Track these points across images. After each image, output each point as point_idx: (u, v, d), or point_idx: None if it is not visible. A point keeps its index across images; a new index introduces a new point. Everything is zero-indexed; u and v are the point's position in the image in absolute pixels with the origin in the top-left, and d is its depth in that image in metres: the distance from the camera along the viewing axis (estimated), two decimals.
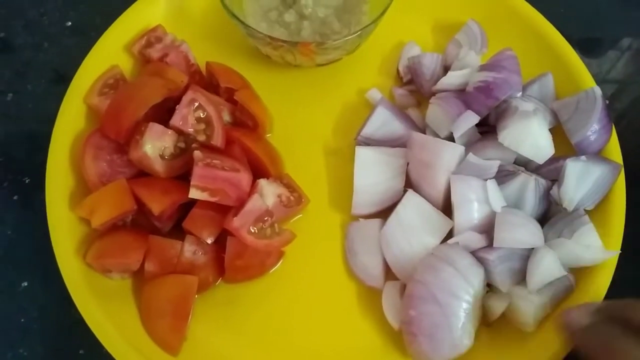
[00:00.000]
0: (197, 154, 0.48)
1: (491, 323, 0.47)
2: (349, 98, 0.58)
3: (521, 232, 0.46)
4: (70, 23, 0.65)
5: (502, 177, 0.49)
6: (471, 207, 0.47)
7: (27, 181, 0.56)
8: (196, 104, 0.49)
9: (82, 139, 0.51)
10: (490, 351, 0.46)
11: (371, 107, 0.57)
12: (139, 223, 0.50)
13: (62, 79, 0.60)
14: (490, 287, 0.47)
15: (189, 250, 0.47)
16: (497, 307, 0.46)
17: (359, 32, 0.51)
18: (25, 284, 0.52)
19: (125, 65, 0.56)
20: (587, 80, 0.55)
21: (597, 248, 0.46)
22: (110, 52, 0.56)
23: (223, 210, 0.48)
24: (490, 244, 0.46)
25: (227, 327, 0.48)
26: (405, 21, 0.60)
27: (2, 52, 0.63)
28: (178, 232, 0.49)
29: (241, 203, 0.47)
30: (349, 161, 0.53)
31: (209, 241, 0.47)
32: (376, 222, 0.50)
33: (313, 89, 0.58)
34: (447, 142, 0.49)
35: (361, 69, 0.59)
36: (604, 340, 0.38)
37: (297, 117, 0.57)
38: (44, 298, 0.51)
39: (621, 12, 0.64)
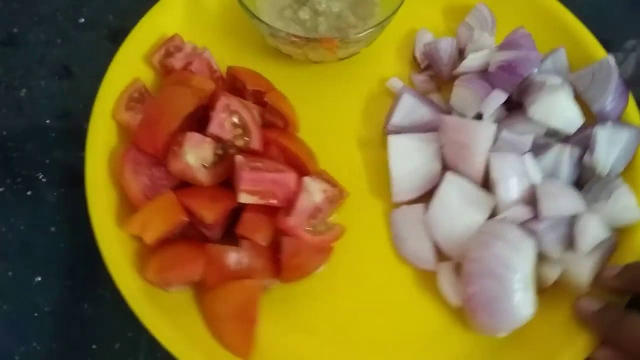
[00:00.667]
0: (239, 159, 0.48)
1: (544, 290, 0.49)
2: (370, 88, 0.59)
3: (564, 200, 0.48)
4: (83, 20, 0.65)
5: (537, 149, 0.51)
6: (512, 182, 0.49)
7: (40, 177, 0.56)
8: (231, 110, 0.50)
9: (118, 156, 0.50)
10: (547, 316, 0.48)
11: (393, 96, 0.58)
12: (186, 234, 0.50)
13: (75, 75, 0.61)
14: (540, 256, 0.49)
15: (245, 255, 0.47)
16: (551, 273, 0.48)
17: (382, 23, 0.52)
18: (39, 278, 0.52)
19: (145, 76, 0.56)
20: (598, 51, 0.57)
21: (634, 207, 0.48)
22: (129, 65, 0.55)
23: (272, 212, 0.48)
24: (535, 215, 0.48)
25: (289, 324, 0.48)
26: (414, 8, 0.61)
27: (14, 47, 0.63)
28: (224, 238, 0.49)
29: (289, 203, 0.48)
30: (380, 150, 0.54)
31: (265, 244, 0.47)
32: (419, 207, 0.51)
33: (333, 83, 0.59)
34: (482, 122, 0.50)
35: (377, 58, 0.60)
36: (613, 318, 0.43)
37: (322, 112, 0.57)
38: (58, 293, 0.51)
39: (627, 14, 0.67)
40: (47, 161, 0.57)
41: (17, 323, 0.50)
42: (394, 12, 0.53)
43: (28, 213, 0.54)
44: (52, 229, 0.53)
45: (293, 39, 0.51)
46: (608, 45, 0.59)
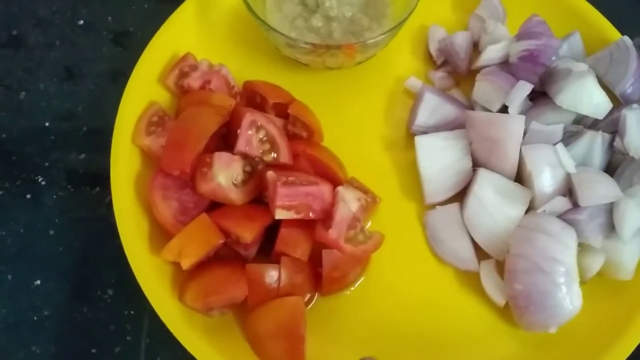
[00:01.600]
0: (270, 174, 0.47)
1: (586, 280, 0.48)
2: (388, 89, 0.58)
3: (601, 188, 0.47)
4: (82, 22, 0.64)
5: (567, 138, 0.50)
6: (547, 173, 0.48)
7: (40, 180, 0.56)
8: (257, 126, 0.49)
9: (145, 182, 0.49)
10: (591, 308, 0.47)
11: (412, 95, 0.57)
12: (221, 254, 0.49)
13: (74, 78, 0.61)
14: (581, 246, 0.48)
15: (286, 271, 0.46)
16: (594, 263, 0.47)
17: (400, 24, 0.51)
18: (38, 282, 0.51)
19: (161, 98, 0.55)
20: (612, 32, 0.57)
21: None
22: (144, 89, 0.54)
23: (308, 225, 0.47)
24: (573, 206, 0.48)
25: (333, 338, 0.48)
26: (422, 2, 0.60)
27: (14, 49, 0.62)
28: (258, 253, 0.49)
29: (326, 215, 0.47)
30: (407, 152, 0.54)
31: (305, 259, 0.46)
32: (454, 206, 0.51)
33: (351, 87, 0.58)
34: (511, 115, 0.50)
35: (391, 58, 0.60)
36: None
37: (343, 118, 0.57)
38: (57, 297, 0.51)
39: (633, 10, 0.66)
40: (47, 164, 0.56)
41: (17, 327, 0.50)
42: (412, 11, 0.52)
43: (27, 216, 0.54)
44: (51, 232, 0.53)
45: (312, 48, 0.50)
46: None
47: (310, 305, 0.49)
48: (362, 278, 0.50)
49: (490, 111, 0.54)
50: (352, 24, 0.56)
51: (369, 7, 0.57)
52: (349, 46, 0.51)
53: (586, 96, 0.50)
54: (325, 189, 0.47)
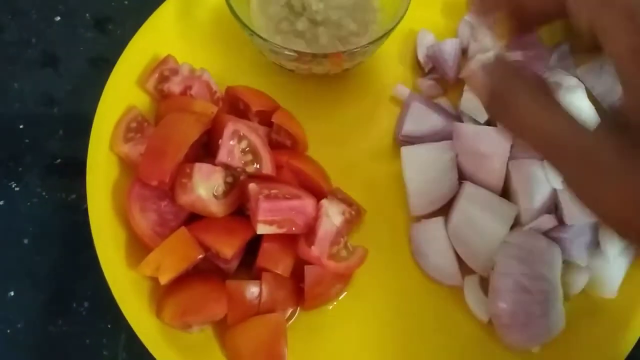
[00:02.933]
0: (253, 187, 0.46)
1: (570, 297, 0.48)
2: (375, 96, 0.57)
3: None
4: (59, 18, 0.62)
5: None
6: (533, 189, 0.48)
7: (13, 186, 0.54)
8: (240, 135, 0.47)
9: (122, 191, 0.48)
10: (574, 325, 0.47)
11: (399, 103, 0.56)
12: (200, 267, 0.47)
13: (52, 74, 0.59)
14: (564, 263, 0.48)
15: (267, 287, 0.45)
16: (579, 281, 0.47)
17: (388, 32, 0.50)
18: (12, 293, 0.50)
19: (140, 102, 0.53)
20: None
21: None
22: (122, 92, 0.52)
23: (290, 240, 0.46)
24: (559, 223, 0.47)
25: (314, 353, 0.47)
26: (411, 7, 0.59)
27: None
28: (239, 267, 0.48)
29: (309, 229, 0.46)
30: (393, 162, 0.53)
31: (287, 275, 0.45)
32: (439, 220, 0.50)
33: (336, 94, 0.57)
34: (498, 129, 0.49)
35: (379, 64, 0.58)
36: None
37: (328, 126, 0.55)
38: (31, 309, 0.49)
39: None
40: (20, 169, 0.54)
41: None
42: (400, 19, 0.50)
43: (0, 224, 0.52)
44: (25, 241, 0.52)
45: (297, 56, 0.49)
46: None
47: (292, 320, 0.48)
48: (345, 292, 0.49)
49: (478, 122, 0.53)
50: (338, 29, 0.54)
51: (357, 12, 0.55)
52: (336, 55, 0.49)
53: (575, 111, 0.49)
54: (308, 202, 0.46)
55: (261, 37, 0.49)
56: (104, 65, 0.56)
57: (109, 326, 0.49)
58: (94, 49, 0.60)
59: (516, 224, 0.48)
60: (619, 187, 0.28)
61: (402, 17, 0.51)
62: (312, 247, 0.44)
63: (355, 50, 0.49)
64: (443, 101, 0.56)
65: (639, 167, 0.28)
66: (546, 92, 0.32)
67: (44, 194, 0.53)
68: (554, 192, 0.48)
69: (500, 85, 0.32)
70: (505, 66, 0.33)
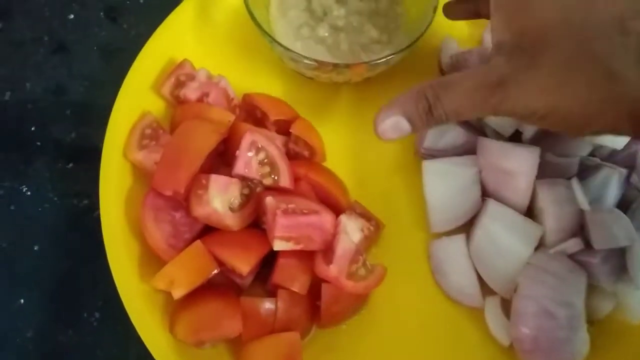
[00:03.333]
0: (270, 201, 0.44)
1: (594, 322, 0.47)
2: None
3: (616, 229, 0.45)
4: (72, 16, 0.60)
5: (582, 171, 0.48)
6: (560, 210, 0.46)
7: (24, 189, 0.53)
8: (257, 147, 0.46)
9: (136, 200, 0.47)
10: (598, 348, 0.46)
11: None
12: (214, 281, 0.46)
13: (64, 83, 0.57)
14: (589, 286, 0.46)
15: (283, 305, 0.44)
16: (605, 306, 0.46)
17: (412, 44, 0.48)
18: (22, 301, 0.49)
19: (155, 107, 0.52)
20: None
21: None
22: (137, 97, 0.51)
23: (307, 256, 0.45)
24: (585, 245, 0.45)
25: None
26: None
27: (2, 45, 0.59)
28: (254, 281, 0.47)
29: (327, 246, 0.45)
30: (413, 175, 0.51)
31: (303, 292, 0.44)
32: (461, 237, 0.48)
33: (356, 103, 0.55)
34: (525, 146, 0.47)
35: (402, 71, 0.56)
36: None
37: (347, 137, 0.54)
38: (41, 318, 0.48)
39: None
40: (31, 172, 0.53)
41: None
42: (427, 27, 0.49)
43: (10, 229, 0.51)
44: (36, 247, 0.51)
45: (318, 65, 0.47)
46: None
47: (307, 337, 0.46)
48: (361, 310, 0.48)
49: (502, 135, 0.51)
50: (360, 35, 0.53)
51: (379, 18, 0.54)
52: (358, 65, 0.48)
53: None
54: (326, 219, 0.45)
55: (281, 45, 0.47)
56: (117, 61, 0.55)
57: (119, 338, 0.48)
58: (108, 43, 0.59)
59: (540, 244, 0.47)
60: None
61: (428, 27, 0.49)
62: (330, 266, 0.43)
63: (378, 61, 0.48)
64: None
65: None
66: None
67: (55, 199, 0.52)
68: (581, 214, 0.46)
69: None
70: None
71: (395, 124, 0.39)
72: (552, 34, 0.34)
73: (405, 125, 0.39)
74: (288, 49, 0.47)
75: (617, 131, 0.35)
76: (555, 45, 0.34)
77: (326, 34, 0.52)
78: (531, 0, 0.35)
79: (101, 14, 0.61)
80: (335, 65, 0.47)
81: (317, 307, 0.45)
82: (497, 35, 0.37)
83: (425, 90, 0.38)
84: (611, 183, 0.47)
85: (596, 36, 0.33)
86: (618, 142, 0.48)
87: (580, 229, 0.47)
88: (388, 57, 0.48)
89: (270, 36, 0.47)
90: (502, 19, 0.36)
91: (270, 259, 0.46)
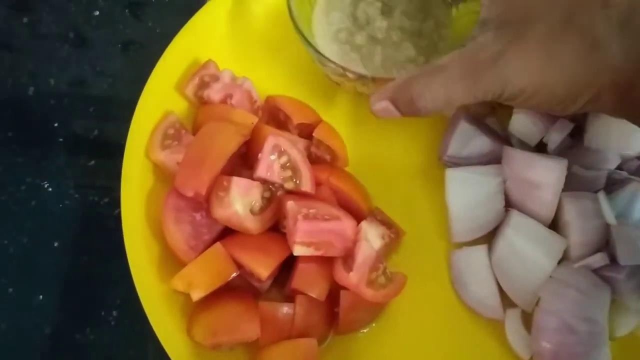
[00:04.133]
0: (291, 206, 0.44)
1: (616, 338, 0.46)
2: None
3: None
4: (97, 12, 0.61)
5: (609, 185, 0.47)
6: (586, 224, 0.45)
7: (46, 185, 0.53)
8: (280, 151, 0.46)
9: (156, 199, 0.47)
10: None
11: (445, 121, 0.54)
12: (233, 283, 0.46)
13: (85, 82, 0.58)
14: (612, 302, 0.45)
15: (301, 310, 0.44)
16: (628, 323, 0.45)
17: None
18: (41, 297, 0.49)
19: (178, 106, 0.51)
20: None
21: None
22: (161, 96, 0.51)
23: (327, 261, 0.45)
24: (610, 261, 0.45)
25: None
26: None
27: (29, 40, 0.59)
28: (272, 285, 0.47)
29: (347, 252, 0.44)
30: (435, 183, 0.51)
31: (322, 299, 0.44)
32: (482, 248, 0.48)
33: None
34: (552, 157, 0.46)
35: None
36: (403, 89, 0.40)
37: (369, 142, 0.53)
38: (59, 315, 0.49)
39: None
40: (54, 169, 0.54)
41: (16, 344, 0.48)
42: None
43: (31, 225, 0.52)
44: (56, 244, 0.51)
45: (343, 71, 0.46)
46: None
47: (324, 344, 0.46)
48: (378, 318, 0.47)
49: (528, 145, 0.50)
50: (396, 52, 0.51)
51: (421, 38, 0.52)
52: (384, 80, 0.45)
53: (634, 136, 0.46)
54: (348, 225, 0.44)
55: (310, 44, 0.47)
56: (140, 58, 0.56)
57: (137, 338, 0.48)
58: (131, 39, 0.59)
59: (564, 258, 0.46)
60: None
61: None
62: (351, 274, 0.42)
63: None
64: (491, 121, 0.53)
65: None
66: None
67: (76, 196, 0.52)
68: (607, 228, 0.45)
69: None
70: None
71: (385, 107, 0.40)
72: (537, 8, 0.36)
73: (394, 111, 0.40)
74: (316, 50, 0.46)
75: (600, 104, 0.36)
76: (540, 18, 0.36)
77: (363, 43, 0.51)
78: None
79: (126, 10, 0.61)
80: (361, 76, 0.46)
81: (335, 314, 0.45)
82: (483, 12, 0.39)
83: (413, 80, 0.39)
84: (639, 197, 0.46)
85: (580, 9, 0.35)
86: None
87: (605, 244, 0.46)
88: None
89: (301, 32, 0.47)
90: None
91: (288, 264, 0.46)
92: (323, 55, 0.47)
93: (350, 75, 0.46)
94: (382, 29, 0.50)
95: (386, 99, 0.40)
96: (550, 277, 0.45)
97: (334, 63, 0.46)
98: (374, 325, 0.47)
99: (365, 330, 0.47)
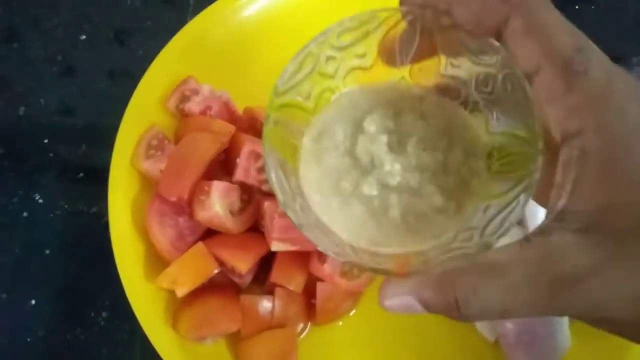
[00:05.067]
0: (268, 205, 0.48)
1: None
2: None
3: None
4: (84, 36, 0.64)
5: None
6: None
7: (37, 197, 0.56)
8: (256, 155, 0.49)
9: (143, 206, 0.50)
10: (581, 345, 0.48)
11: None
12: (215, 280, 0.49)
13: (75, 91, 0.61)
14: None
15: (280, 303, 0.47)
16: None
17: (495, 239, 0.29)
18: (34, 302, 0.52)
19: (160, 120, 0.55)
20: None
21: None
22: (144, 110, 0.54)
23: (303, 256, 0.48)
24: None
25: None
26: None
27: (17, 64, 0.63)
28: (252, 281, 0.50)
29: None
30: None
31: (299, 291, 0.47)
32: None
33: None
34: None
35: None
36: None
37: None
38: (51, 318, 0.51)
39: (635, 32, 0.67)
40: (44, 182, 0.57)
41: (10, 347, 0.50)
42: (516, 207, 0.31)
43: (23, 234, 0.54)
44: (47, 251, 0.54)
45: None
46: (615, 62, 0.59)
47: (303, 335, 0.49)
48: (356, 308, 0.50)
49: None
50: (419, 201, 0.35)
51: (448, 176, 0.35)
52: (400, 258, 0.34)
53: None
54: None
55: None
56: (125, 80, 0.59)
57: (125, 337, 0.50)
58: (116, 64, 0.63)
59: None
60: None
61: (522, 204, 0.29)
62: (325, 265, 0.45)
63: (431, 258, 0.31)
64: None
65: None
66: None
67: (66, 206, 0.55)
68: None
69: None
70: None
71: (406, 304, 0.28)
72: None
73: (418, 309, 0.29)
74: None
75: None
76: None
77: (374, 193, 0.35)
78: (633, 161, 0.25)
79: (111, 35, 0.64)
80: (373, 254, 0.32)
81: (313, 306, 0.48)
82: (562, 198, 0.26)
83: (455, 279, 0.27)
84: None
85: None
86: None
87: None
88: (449, 254, 0.30)
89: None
90: (586, 175, 0.26)
91: (267, 263, 0.49)
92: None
93: (369, 265, 0.31)
94: (395, 174, 0.35)
95: (411, 295, 0.28)
96: None
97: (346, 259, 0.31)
98: (350, 315, 0.50)
99: (342, 321, 0.50)
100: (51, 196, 0.56)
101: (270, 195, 0.49)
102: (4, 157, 0.57)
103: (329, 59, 0.36)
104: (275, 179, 0.32)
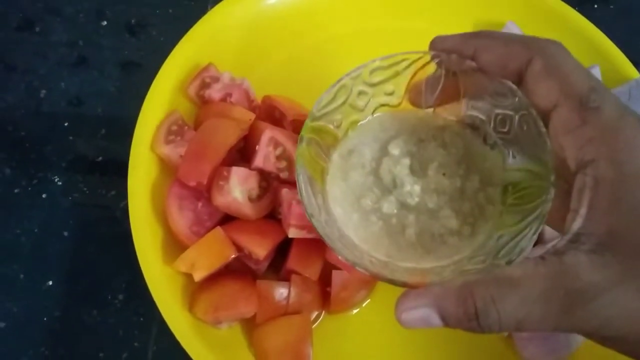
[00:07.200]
0: (285, 192, 0.48)
1: None
2: None
3: None
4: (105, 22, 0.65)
5: None
6: None
7: (56, 180, 0.57)
8: (276, 142, 0.49)
9: (161, 191, 0.50)
10: None
11: None
12: (232, 266, 0.49)
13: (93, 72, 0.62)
14: None
15: (296, 289, 0.47)
16: None
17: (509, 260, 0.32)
18: (50, 282, 0.52)
19: (181, 107, 0.55)
20: (630, 70, 0.58)
21: None
22: (165, 97, 0.55)
23: (319, 244, 0.48)
24: None
25: (341, 356, 0.49)
26: (444, 25, 0.61)
27: (39, 47, 0.64)
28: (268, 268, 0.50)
29: None
30: None
31: (315, 278, 0.47)
32: None
33: None
34: None
35: None
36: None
37: None
38: (68, 298, 0.52)
39: None
40: (64, 165, 0.57)
41: (27, 326, 0.51)
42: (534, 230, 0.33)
43: (42, 216, 0.55)
44: (65, 233, 0.54)
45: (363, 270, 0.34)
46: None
47: (317, 322, 0.49)
48: (370, 298, 0.51)
49: None
50: (435, 222, 0.37)
51: (465, 201, 0.37)
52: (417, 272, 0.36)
53: None
54: None
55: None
56: (146, 67, 0.61)
57: (141, 319, 0.51)
58: (137, 51, 0.64)
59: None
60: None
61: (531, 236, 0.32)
62: None
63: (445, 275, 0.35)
64: None
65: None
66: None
67: (85, 189, 0.56)
68: None
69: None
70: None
71: (424, 317, 0.29)
72: None
73: (436, 321, 0.29)
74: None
75: None
76: None
77: (394, 211, 0.38)
78: None
79: (132, 21, 0.65)
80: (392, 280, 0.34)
81: (328, 294, 0.48)
82: (576, 222, 0.28)
83: (473, 289, 0.28)
84: None
85: None
86: None
87: None
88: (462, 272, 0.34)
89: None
90: (599, 200, 0.28)
91: (283, 250, 0.49)
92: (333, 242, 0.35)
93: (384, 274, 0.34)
94: (415, 194, 0.38)
95: (430, 306, 0.29)
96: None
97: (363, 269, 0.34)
98: (365, 305, 0.50)
99: (356, 311, 0.50)
100: (70, 179, 0.56)
101: (289, 182, 0.50)
102: (24, 139, 0.58)
103: (361, 93, 0.40)
104: (304, 193, 0.36)
